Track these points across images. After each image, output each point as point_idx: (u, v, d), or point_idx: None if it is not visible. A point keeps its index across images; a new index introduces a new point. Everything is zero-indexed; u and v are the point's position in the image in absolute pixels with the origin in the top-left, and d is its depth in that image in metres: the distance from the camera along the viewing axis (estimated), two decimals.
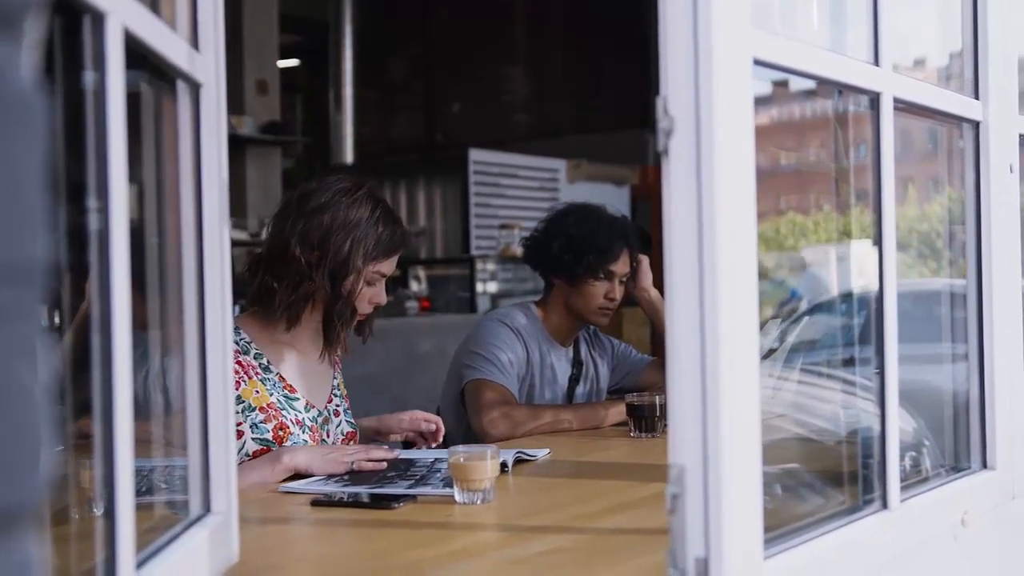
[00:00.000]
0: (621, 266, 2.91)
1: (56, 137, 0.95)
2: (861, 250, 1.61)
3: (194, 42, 1.32)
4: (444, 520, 1.74)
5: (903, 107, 1.57)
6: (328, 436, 2.32)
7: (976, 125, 1.80)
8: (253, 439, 2.17)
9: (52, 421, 0.59)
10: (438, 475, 2.01)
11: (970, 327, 1.82)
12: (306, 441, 2.23)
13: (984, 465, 1.80)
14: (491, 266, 7.63)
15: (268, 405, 2.20)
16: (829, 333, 1.98)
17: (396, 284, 7.18)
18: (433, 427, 2.41)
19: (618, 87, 8.90)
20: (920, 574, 1.61)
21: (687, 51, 1.12)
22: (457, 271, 7.73)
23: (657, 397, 2.57)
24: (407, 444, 2.47)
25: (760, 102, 1.33)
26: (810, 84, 1.53)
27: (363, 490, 1.91)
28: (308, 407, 2.28)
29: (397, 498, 1.82)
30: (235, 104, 7.26)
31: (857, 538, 1.42)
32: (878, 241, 1.50)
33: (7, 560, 0.56)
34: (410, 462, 2.17)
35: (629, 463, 2.36)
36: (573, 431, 2.71)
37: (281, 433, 2.19)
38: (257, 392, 2.20)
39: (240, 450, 2.13)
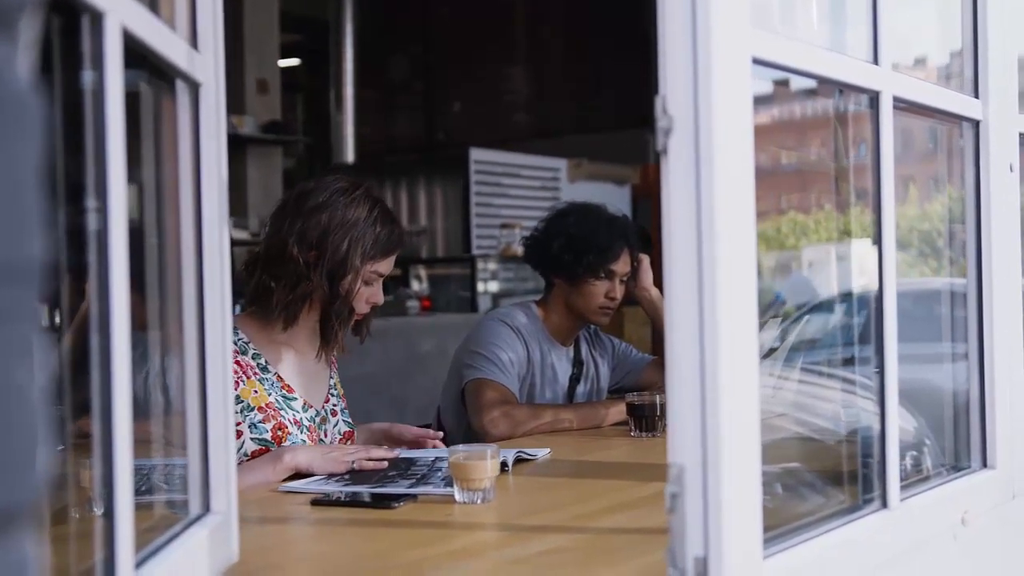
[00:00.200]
0: (622, 265, 2.91)
1: (55, 137, 0.95)
2: (861, 249, 1.61)
3: (193, 42, 1.32)
4: (444, 520, 1.74)
5: (903, 106, 1.56)
6: (326, 436, 2.32)
7: (976, 124, 1.80)
8: (252, 439, 2.17)
9: (50, 421, 0.59)
10: (439, 474, 2.01)
11: (970, 326, 1.82)
12: (304, 441, 2.23)
13: (984, 464, 1.80)
14: (492, 265, 7.63)
15: (267, 405, 2.20)
16: (830, 332, 1.98)
17: (397, 283, 7.18)
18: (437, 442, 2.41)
19: (619, 86, 8.90)
20: (920, 573, 1.61)
21: (686, 50, 1.12)
22: (458, 270, 7.72)
23: (657, 396, 2.57)
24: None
25: (761, 101, 1.33)
26: (811, 83, 1.53)
27: (364, 489, 1.91)
28: (306, 407, 2.28)
29: (397, 497, 1.82)
30: (236, 104, 7.26)
31: (857, 537, 1.42)
32: (878, 240, 1.50)
33: (5, 560, 0.56)
34: (410, 461, 2.17)
35: (629, 463, 2.36)
36: (573, 430, 2.71)
37: (280, 433, 2.19)
38: (256, 392, 2.20)
39: (239, 450, 2.13)
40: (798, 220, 1.87)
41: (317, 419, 2.30)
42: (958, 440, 1.85)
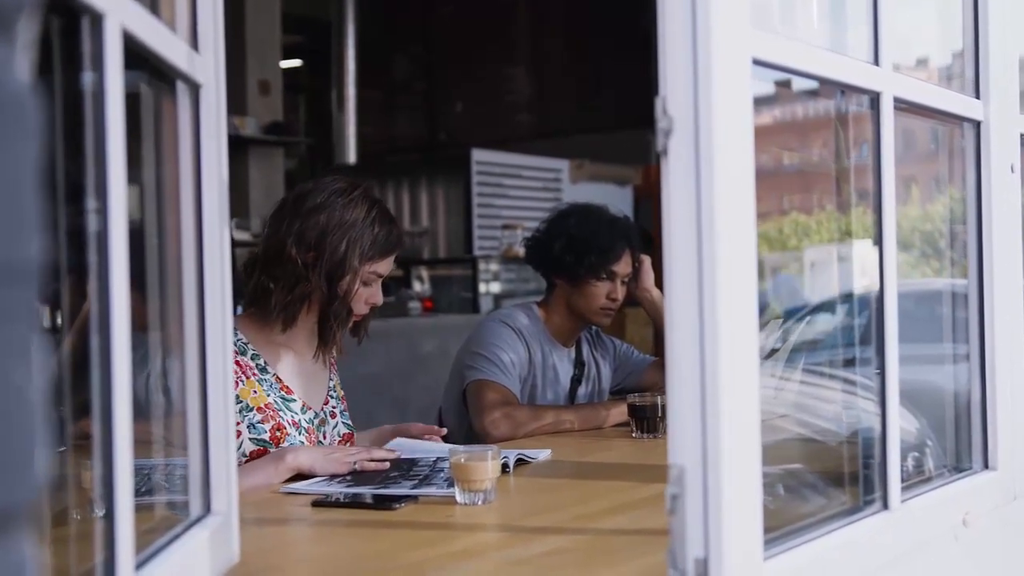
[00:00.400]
0: (623, 266, 2.91)
1: (56, 138, 0.96)
2: (863, 250, 1.61)
3: (194, 43, 1.32)
4: (445, 521, 1.74)
5: (904, 107, 1.56)
6: (325, 438, 2.32)
7: (977, 125, 1.80)
8: (250, 439, 2.17)
9: (48, 422, 0.59)
10: (441, 474, 2.01)
11: (971, 327, 1.82)
12: (302, 442, 2.23)
13: (986, 465, 1.80)
14: (494, 266, 7.63)
15: (265, 405, 2.20)
16: (831, 333, 1.98)
17: (399, 284, 7.18)
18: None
19: (620, 87, 8.90)
20: (921, 575, 1.61)
21: (686, 51, 1.12)
22: (460, 271, 7.73)
23: (659, 398, 2.57)
24: None
25: (763, 102, 1.33)
26: (813, 83, 1.53)
27: (367, 490, 1.91)
28: (304, 408, 2.28)
29: (398, 499, 1.82)
30: (238, 105, 7.27)
31: (858, 538, 1.42)
32: (878, 241, 1.50)
33: (3, 560, 0.56)
34: (412, 462, 2.17)
35: (630, 464, 2.36)
36: (575, 432, 2.71)
37: (278, 434, 2.19)
38: (255, 392, 2.20)
39: (237, 450, 2.13)
40: (800, 221, 1.87)
41: (316, 421, 2.30)
42: (959, 441, 1.85)
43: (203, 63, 1.33)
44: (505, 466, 2.06)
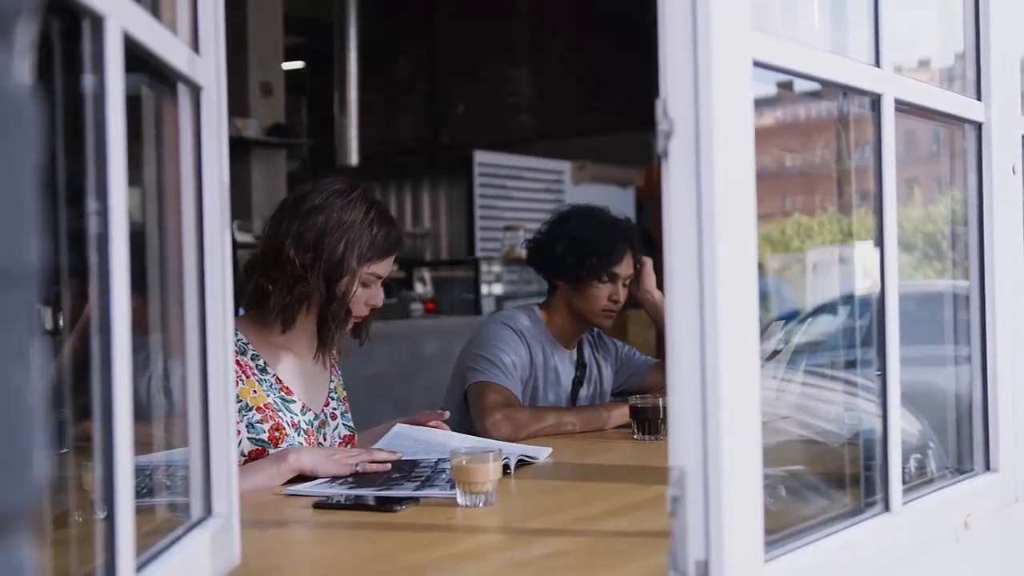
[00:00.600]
0: (624, 268, 2.91)
1: (57, 140, 0.96)
2: (865, 252, 1.61)
3: (195, 45, 1.33)
4: (446, 523, 1.74)
5: (905, 108, 1.56)
6: (325, 440, 2.32)
7: (978, 126, 1.80)
8: (249, 438, 2.17)
9: (47, 424, 0.59)
10: (443, 475, 2.01)
11: (973, 329, 1.82)
12: (301, 443, 2.23)
13: (987, 467, 1.80)
14: (496, 268, 7.63)
15: (265, 405, 2.20)
16: (833, 335, 1.98)
17: (401, 286, 7.19)
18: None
19: (622, 88, 8.89)
20: None
21: (686, 53, 1.12)
22: (462, 273, 7.73)
23: (660, 399, 2.56)
24: None
25: (765, 103, 1.33)
26: (815, 85, 1.53)
27: (369, 492, 1.91)
28: (304, 410, 2.28)
29: (399, 500, 1.82)
30: (240, 106, 7.27)
31: (859, 541, 1.42)
32: (879, 243, 1.50)
33: (2, 563, 0.56)
34: (414, 463, 2.17)
35: (632, 465, 2.35)
36: (576, 433, 2.70)
37: (277, 434, 2.19)
38: (255, 392, 2.20)
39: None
40: (802, 222, 1.87)
41: (316, 423, 2.30)
42: (961, 443, 1.85)
43: (204, 65, 1.33)
44: (506, 468, 2.06)
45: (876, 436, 1.52)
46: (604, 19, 8.91)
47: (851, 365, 1.76)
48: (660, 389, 2.81)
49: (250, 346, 2.24)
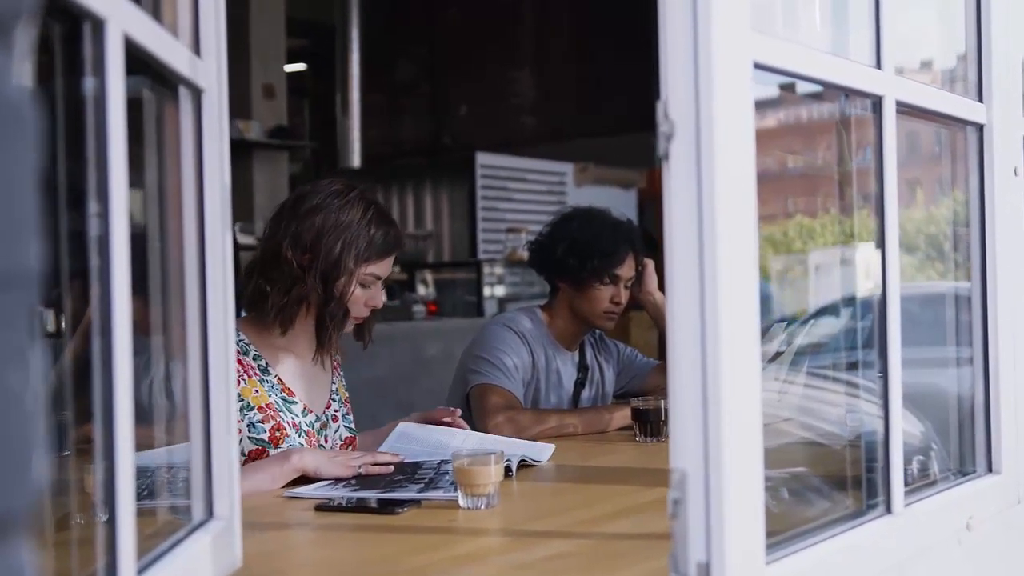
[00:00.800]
0: (626, 270, 2.91)
1: (58, 143, 0.96)
2: (867, 253, 1.61)
3: (196, 48, 1.33)
4: (448, 525, 1.74)
5: (906, 110, 1.56)
6: (326, 441, 2.32)
7: (980, 128, 1.79)
8: (250, 438, 2.17)
9: (46, 427, 0.59)
10: (446, 477, 2.01)
11: (975, 330, 1.82)
12: (302, 444, 2.23)
13: (989, 469, 1.79)
14: (498, 270, 7.63)
15: (267, 405, 2.20)
16: (835, 336, 1.98)
17: (403, 288, 7.19)
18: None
19: (625, 90, 8.89)
20: None
21: (687, 55, 1.12)
22: (464, 275, 7.73)
23: (662, 401, 2.56)
24: None
25: (768, 105, 1.33)
26: (817, 87, 1.53)
27: (372, 495, 1.91)
28: (306, 411, 2.28)
29: (401, 503, 1.82)
30: (242, 109, 7.27)
31: (860, 543, 1.42)
32: (881, 244, 1.50)
33: (2, 565, 0.56)
34: (416, 465, 2.17)
35: (634, 467, 2.35)
36: (578, 435, 2.70)
37: (278, 434, 2.19)
38: (256, 392, 2.20)
39: None
40: (805, 224, 1.87)
41: (317, 424, 2.30)
42: (963, 444, 1.85)
43: (205, 68, 1.33)
44: (508, 470, 2.06)
45: (878, 438, 1.52)
46: (606, 20, 8.90)
47: (853, 367, 1.76)
48: (662, 391, 2.80)
49: (252, 347, 2.25)
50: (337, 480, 2.04)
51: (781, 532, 1.28)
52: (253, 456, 2.16)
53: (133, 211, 1.03)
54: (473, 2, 9.50)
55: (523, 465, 2.20)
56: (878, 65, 1.49)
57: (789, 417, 1.81)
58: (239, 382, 2.17)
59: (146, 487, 1.32)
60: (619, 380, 3.13)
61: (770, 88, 1.37)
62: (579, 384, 3.01)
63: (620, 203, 7.21)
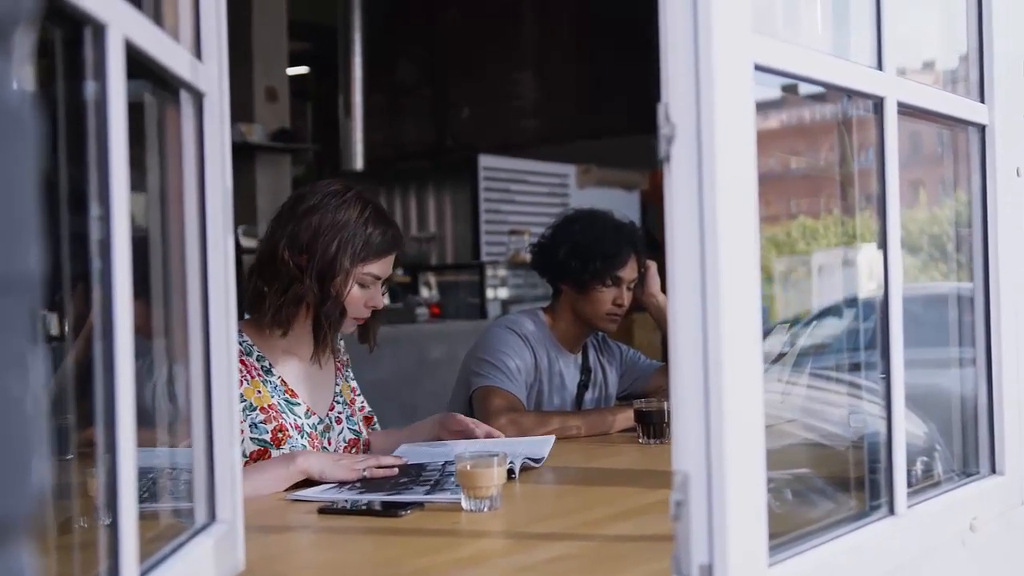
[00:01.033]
0: (629, 272, 2.91)
1: (59, 147, 0.96)
2: (870, 254, 1.61)
3: (197, 52, 1.33)
4: (451, 527, 1.74)
5: (907, 111, 1.56)
6: (330, 444, 2.32)
7: (982, 129, 1.79)
8: (252, 439, 2.17)
9: (48, 431, 0.59)
10: (451, 479, 2.00)
11: (977, 331, 1.82)
12: (304, 446, 2.22)
13: (993, 470, 1.79)
14: (501, 272, 7.64)
15: (269, 406, 2.20)
16: (838, 337, 1.98)
17: (406, 290, 7.19)
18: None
19: (627, 91, 8.87)
20: None
21: (688, 57, 1.12)
22: (467, 277, 7.74)
23: (665, 403, 2.56)
24: None
25: (769, 106, 1.33)
26: (819, 88, 1.53)
27: (376, 497, 1.91)
28: (309, 413, 2.28)
29: (404, 506, 1.82)
30: (245, 112, 7.27)
31: (864, 544, 1.42)
32: (883, 245, 1.50)
33: (2, 570, 0.56)
34: (420, 467, 2.17)
35: (637, 469, 2.35)
36: (581, 437, 2.70)
37: (280, 435, 2.19)
38: (259, 392, 2.20)
39: None
40: (807, 224, 1.87)
41: (320, 427, 2.30)
42: (966, 445, 1.84)
43: (206, 72, 1.34)
44: (511, 472, 2.06)
45: (881, 439, 1.52)
46: (608, 21, 8.90)
47: (856, 368, 1.76)
48: (665, 393, 2.80)
49: (256, 348, 2.25)
50: (341, 483, 2.04)
51: (784, 534, 1.28)
52: (255, 457, 2.16)
53: (135, 215, 1.04)
54: (474, 4, 9.50)
55: (524, 468, 2.19)
56: (879, 66, 1.49)
57: (792, 418, 1.81)
58: (242, 382, 2.17)
59: (148, 490, 1.32)
60: (622, 382, 3.13)
61: (772, 89, 1.37)
62: (582, 386, 3.01)
63: (623, 205, 7.22)
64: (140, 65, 1.10)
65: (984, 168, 1.80)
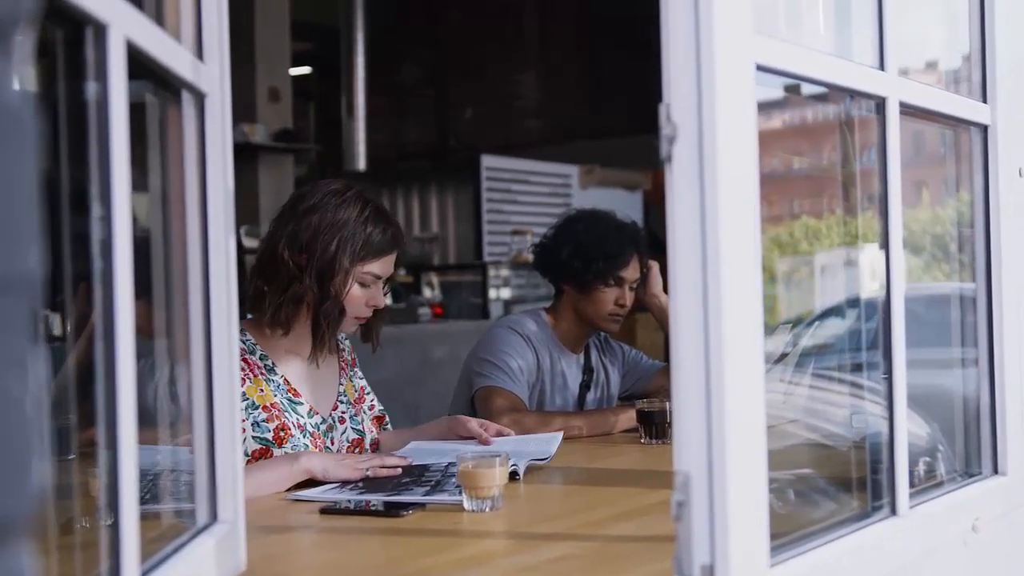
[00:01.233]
0: (631, 272, 2.91)
1: (61, 147, 0.96)
2: (873, 254, 1.61)
3: (199, 52, 1.33)
4: (452, 528, 1.74)
5: (910, 112, 1.56)
6: (333, 444, 2.32)
7: (984, 129, 1.79)
8: (254, 437, 2.17)
9: (49, 431, 0.59)
10: (453, 480, 2.00)
11: (980, 331, 1.81)
12: (307, 445, 2.22)
13: (995, 471, 1.79)
14: (504, 272, 7.64)
15: (271, 405, 2.21)
16: (841, 337, 1.98)
17: (409, 291, 7.19)
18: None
19: (630, 92, 8.87)
20: None
21: (689, 57, 1.12)
22: (470, 277, 7.74)
23: (667, 403, 2.56)
24: None
25: (772, 106, 1.33)
26: (822, 88, 1.52)
27: (379, 497, 1.91)
28: (312, 413, 2.28)
29: (406, 506, 1.82)
30: (247, 112, 7.28)
31: (865, 545, 1.42)
32: (885, 245, 1.50)
33: (1, 570, 0.56)
34: (423, 467, 2.17)
35: (639, 470, 2.35)
36: (583, 438, 2.70)
37: (282, 434, 2.19)
38: (261, 391, 2.20)
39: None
40: (810, 225, 1.87)
41: (323, 426, 2.30)
42: (969, 446, 1.84)
43: (208, 72, 1.34)
44: (514, 473, 2.05)
45: (883, 439, 1.51)
46: (609, 22, 8.90)
47: (858, 368, 1.76)
48: (667, 393, 2.79)
49: (259, 347, 2.25)
50: (344, 483, 2.04)
51: (786, 534, 1.28)
52: (257, 456, 2.16)
53: (137, 215, 1.04)
54: (476, 4, 9.50)
55: (530, 467, 2.19)
56: (881, 66, 1.49)
57: (794, 419, 1.81)
58: (244, 381, 2.17)
59: (150, 490, 1.32)
60: (624, 382, 3.13)
61: (775, 90, 1.37)
62: (584, 386, 3.01)
63: (625, 205, 7.22)
64: (141, 65, 1.10)
65: (986, 168, 1.79)
